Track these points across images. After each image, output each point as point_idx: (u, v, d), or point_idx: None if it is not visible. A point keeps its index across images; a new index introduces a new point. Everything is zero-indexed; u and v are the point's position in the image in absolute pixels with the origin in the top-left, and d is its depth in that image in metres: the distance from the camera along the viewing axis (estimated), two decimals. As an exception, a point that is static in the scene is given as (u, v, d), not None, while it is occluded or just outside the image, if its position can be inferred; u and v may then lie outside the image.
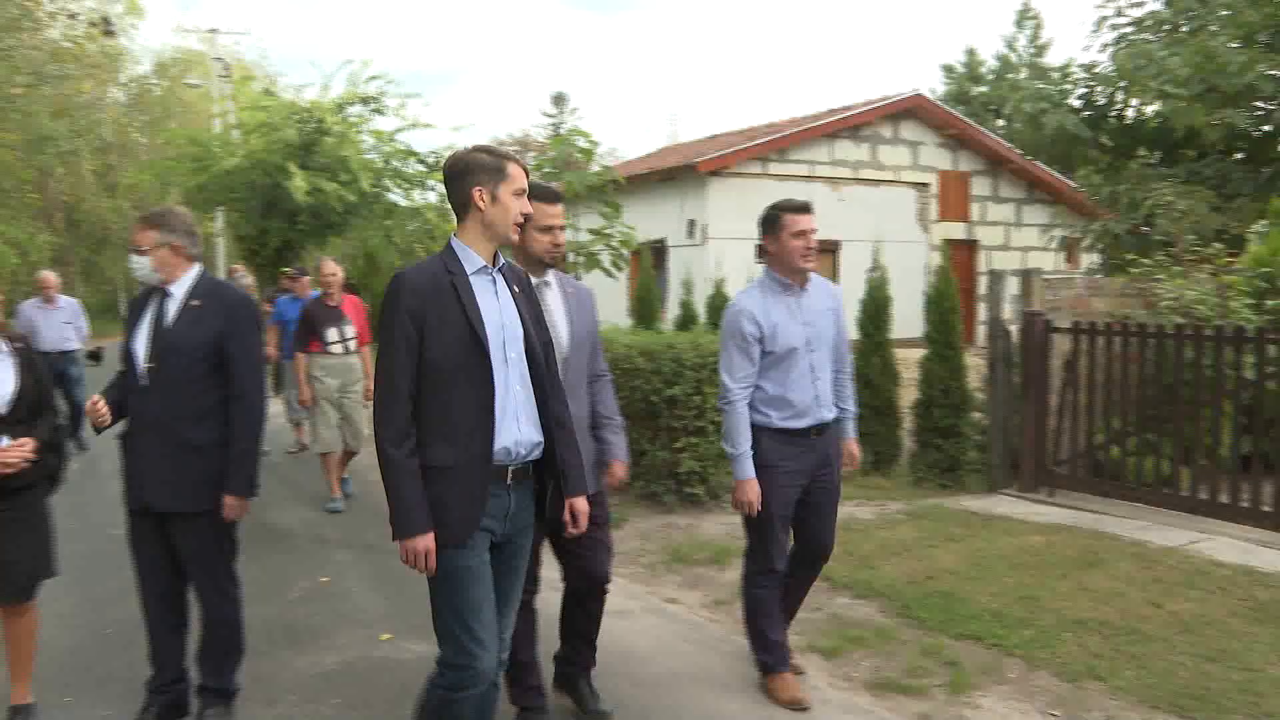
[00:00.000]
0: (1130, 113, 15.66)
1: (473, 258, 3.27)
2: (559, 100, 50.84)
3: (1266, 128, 14.37)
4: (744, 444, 4.34)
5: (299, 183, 16.05)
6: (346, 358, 8.58)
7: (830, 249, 18.44)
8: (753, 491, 4.34)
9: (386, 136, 18.84)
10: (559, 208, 4.02)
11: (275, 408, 12.10)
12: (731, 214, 18.52)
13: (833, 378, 4.60)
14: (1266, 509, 7.26)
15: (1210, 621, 5.36)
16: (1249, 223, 12.12)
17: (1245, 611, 5.51)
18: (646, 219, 17.70)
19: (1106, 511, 7.86)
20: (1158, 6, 15.99)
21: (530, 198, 3.75)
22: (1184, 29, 15.25)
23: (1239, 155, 14.90)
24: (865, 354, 9.53)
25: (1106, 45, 16.14)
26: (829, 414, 4.52)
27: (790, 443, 4.40)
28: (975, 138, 21.27)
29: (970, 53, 38.43)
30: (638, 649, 5.19)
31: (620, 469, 4.28)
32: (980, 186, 21.54)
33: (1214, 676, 4.66)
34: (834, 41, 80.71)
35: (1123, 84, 14.97)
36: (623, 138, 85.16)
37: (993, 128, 25.91)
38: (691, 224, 19.39)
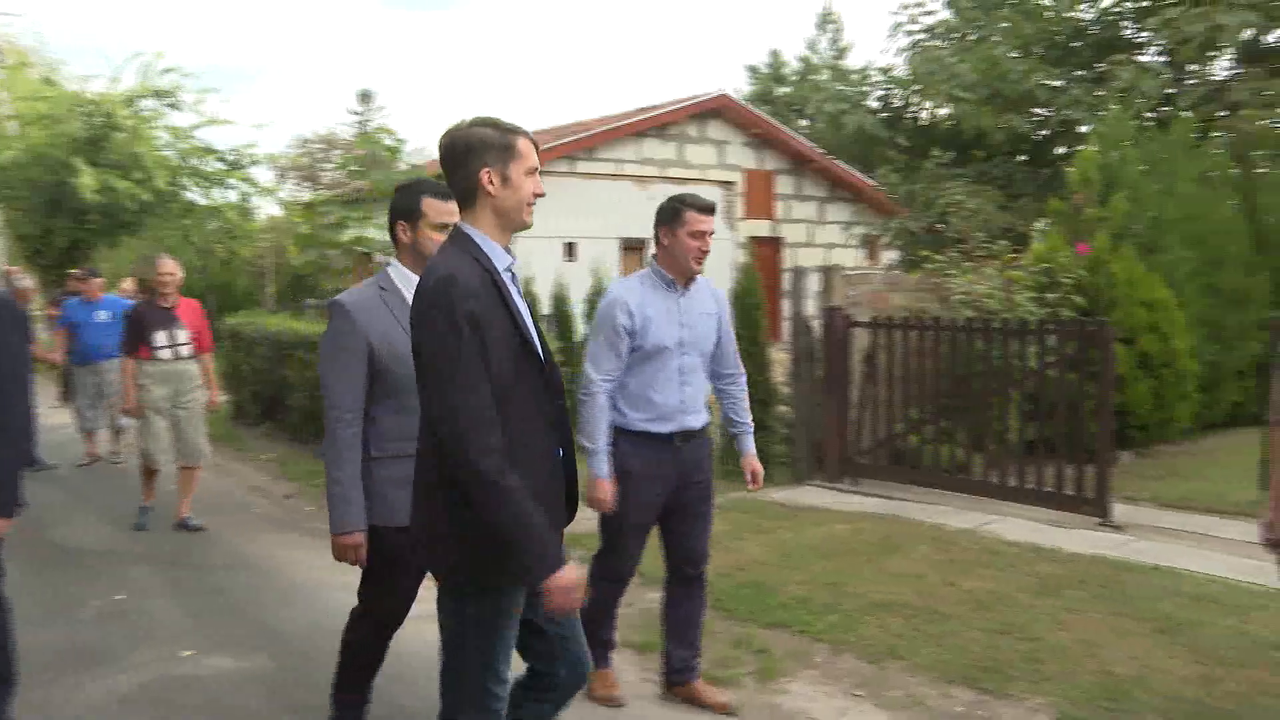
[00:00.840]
0: (924, 115, 16.39)
1: (499, 252, 2.83)
2: (365, 97, 49.68)
3: (1044, 132, 15.25)
4: (599, 439, 4.10)
5: (87, 180, 15.29)
6: (178, 364, 7.83)
7: (637, 246, 18.64)
8: (605, 490, 4.11)
9: (183, 133, 18.13)
10: (454, 204, 3.82)
11: (64, 418, 11.52)
12: (539, 212, 18.46)
13: (726, 389, 4.48)
14: (1049, 490, 7.71)
15: (1000, 597, 5.66)
16: (1031, 221, 12.84)
17: (1031, 586, 5.84)
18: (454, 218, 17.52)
19: (907, 498, 8.19)
20: (948, 15, 16.77)
21: (423, 194, 3.63)
22: (971, 37, 16.04)
23: (1022, 157, 15.79)
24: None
25: (902, 50, 16.85)
26: (696, 422, 4.29)
27: (651, 448, 4.18)
28: (779, 137, 21.79)
29: (774, 54, 39.30)
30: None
31: None
32: (785, 185, 22.09)
33: (1003, 648, 4.92)
34: (642, 42, 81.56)
35: (917, 87, 15.65)
36: (431, 136, 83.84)
37: (796, 128, 26.59)
38: (501, 222, 19.27)
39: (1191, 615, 5.33)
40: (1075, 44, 15.94)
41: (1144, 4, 15.45)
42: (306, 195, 26.94)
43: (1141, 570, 6.15)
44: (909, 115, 16.54)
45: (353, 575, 3.81)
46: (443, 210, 3.63)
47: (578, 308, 11.02)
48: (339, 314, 3.60)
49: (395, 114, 60.17)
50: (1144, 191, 10.75)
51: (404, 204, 3.67)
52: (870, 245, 19.59)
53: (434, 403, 2.68)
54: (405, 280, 3.67)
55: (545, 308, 11.49)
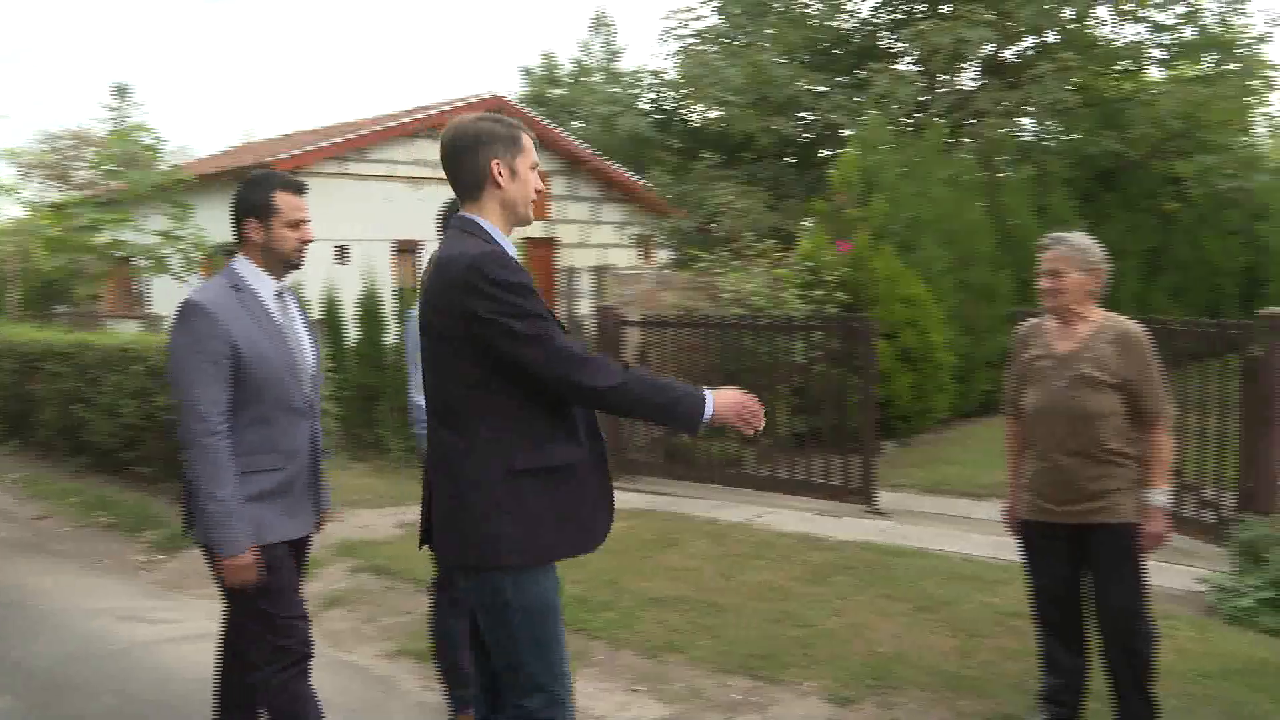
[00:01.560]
0: (695, 117, 16.74)
1: (509, 244, 2.86)
2: (122, 92, 47.07)
3: (809, 135, 15.82)
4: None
5: None
6: None
7: (410, 249, 18.35)
8: None
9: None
10: (305, 200, 3.53)
11: None
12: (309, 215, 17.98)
13: None
14: (819, 480, 8.00)
15: (775, 587, 5.82)
16: (798, 220, 13.29)
17: (803, 575, 6.03)
18: (220, 221, 16.80)
19: (683, 494, 8.33)
20: (717, 21, 17.18)
21: (275, 188, 3.40)
22: (739, 43, 16.48)
23: (789, 159, 16.33)
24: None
25: (672, 54, 17.16)
26: None
27: None
28: (553, 138, 21.85)
29: (548, 56, 39.48)
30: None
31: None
32: (559, 186, 22.16)
33: (778, 636, 5.06)
34: (414, 41, 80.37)
35: (687, 91, 15.96)
36: (194, 134, 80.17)
37: (570, 129, 26.75)
38: (269, 225, 18.65)
39: (948, 593, 5.64)
40: (837, 51, 16.61)
41: (898, 16, 16.26)
42: (56, 196, 25.31)
43: (905, 553, 6.45)
44: (680, 118, 16.87)
45: (108, 599, 3.56)
46: (297, 206, 3.45)
47: (350, 311, 10.74)
48: (198, 315, 3.26)
49: (155, 110, 57.34)
50: (901, 193, 11.30)
51: (255, 199, 3.41)
52: (644, 245, 19.88)
53: (538, 359, 2.69)
54: (259, 280, 3.42)
55: (316, 312, 11.15)
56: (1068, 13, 14.83)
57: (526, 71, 39.21)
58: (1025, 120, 15.53)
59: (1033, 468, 3.92)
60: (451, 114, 19.67)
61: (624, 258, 20.84)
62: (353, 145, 18.68)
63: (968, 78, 16.08)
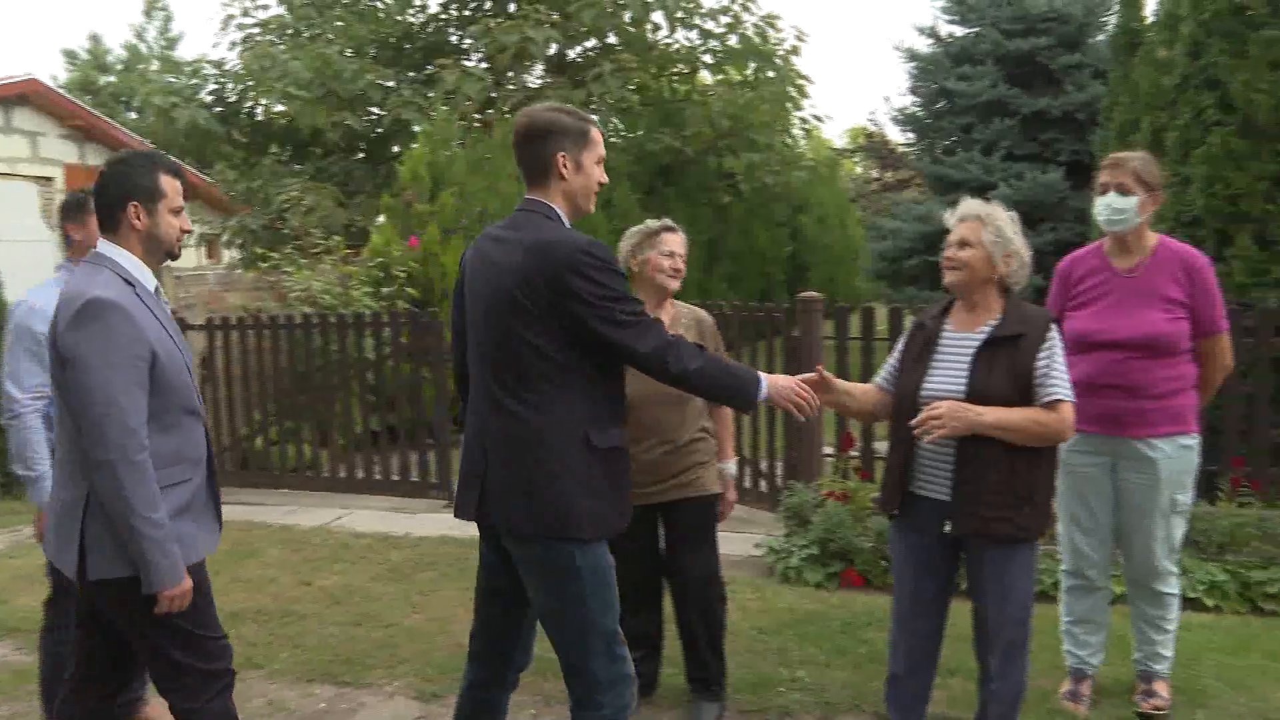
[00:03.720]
0: (260, 111, 16.09)
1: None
2: None
3: (380, 130, 15.67)
4: (42, 464, 3.70)
5: None
6: None
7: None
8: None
9: None
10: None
11: None
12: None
13: None
14: (396, 478, 7.98)
15: (354, 589, 5.75)
16: (371, 217, 13.13)
17: (383, 574, 5.99)
18: None
19: (258, 502, 8.02)
20: (281, 11, 16.60)
21: (161, 170, 2.95)
22: (305, 35, 16.02)
23: (360, 155, 16.09)
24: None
25: (235, 44, 16.44)
26: None
27: None
28: (103, 129, 20.22)
29: (95, 39, 36.55)
30: None
31: None
32: (112, 182, 20.59)
33: (359, 639, 5.01)
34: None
35: (251, 83, 15.31)
36: None
37: (124, 120, 24.91)
38: None
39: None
40: (407, 46, 16.54)
41: (467, 13, 16.42)
42: None
43: (485, 544, 6.54)
44: (245, 111, 16.17)
45: None
46: (179, 190, 3.02)
47: None
48: (113, 314, 2.76)
49: None
50: (471, 188, 11.43)
51: (139, 181, 2.93)
52: (210, 244, 18.93)
53: (634, 342, 2.84)
54: (141, 272, 2.95)
55: None
56: (627, 16, 15.59)
57: (70, 55, 36.11)
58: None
59: None
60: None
61: (188, 258, 19.68)
62: None
63: (535, 76, 16.51)
